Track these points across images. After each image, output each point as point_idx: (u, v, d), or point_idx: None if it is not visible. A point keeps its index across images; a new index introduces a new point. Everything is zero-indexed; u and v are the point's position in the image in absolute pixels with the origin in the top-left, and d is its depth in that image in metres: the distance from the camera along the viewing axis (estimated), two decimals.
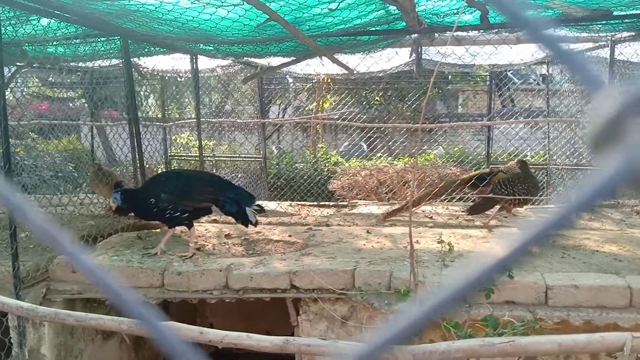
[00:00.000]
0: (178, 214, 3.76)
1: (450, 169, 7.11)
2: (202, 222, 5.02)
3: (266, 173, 8.21)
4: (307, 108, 13.26)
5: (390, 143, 9.74)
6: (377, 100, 12.22)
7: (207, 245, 4.26)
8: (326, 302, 3.35)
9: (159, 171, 6.49)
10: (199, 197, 3.85)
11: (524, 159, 4.95)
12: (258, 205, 3.98)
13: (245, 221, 3.88)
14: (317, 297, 3.34)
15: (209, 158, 8.35)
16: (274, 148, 12.04)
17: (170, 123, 8.02)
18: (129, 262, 3.61)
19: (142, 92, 7.60)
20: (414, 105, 9.68)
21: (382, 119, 10.32)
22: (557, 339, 1.43)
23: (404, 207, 4.88)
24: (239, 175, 7.99)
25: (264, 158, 8.13)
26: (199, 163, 6.70)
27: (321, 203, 6.37)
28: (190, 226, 3.94)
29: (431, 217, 5.15)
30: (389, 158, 9.07)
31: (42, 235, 0.43)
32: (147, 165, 5.63)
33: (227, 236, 4.53)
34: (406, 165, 7.56)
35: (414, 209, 5.11)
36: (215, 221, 5.11)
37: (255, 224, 3.97)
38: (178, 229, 4.24)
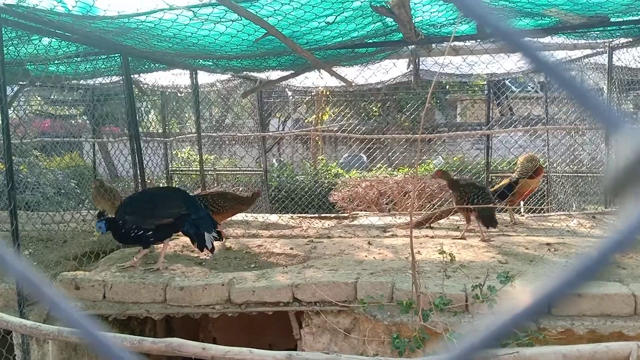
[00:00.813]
0: (141, 232, 3.69)
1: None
2: None
3: (267, 186, 8.21)
4: (306, 120, 13.29)
5: (389, 154, 9.75)
6: (375, 111, 12.26)
7: (208, 259, 4.24)
8: (328, 314, 3.32)
9: (161, 185, 6.49)
10: (160, 213, 3.76)
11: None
12: (217, 232, 3.89)
13: (202, 245, 3.77)
14: (319, 310, 3.32)
15: (209, 172, 8.36)
16: (274, 161, 12.05)
17: (171, 138, 8.04)
18: (131, 278, 3.60)
19: (142, 108, 7.63)
20: (413, 115, 9.71)
21: (381, 130, 10.34)
22: (561, 350, 1.41)
23: (434, 216, 4.89)
24: (240, 189, 7.97)
25: (265, 171, 8.13)
26: (200, 177, 6.70)
27: (322, 215, 6.36)
28: (148, 245, 3.87)
29: (432, 228, 5.13)
30: (389, 169, 9.07)
31: (22, 281, 0.42)
32: (149, 181, 5.62)
33: (228, 249, 4.51)
34: (406, 175, 7.55)
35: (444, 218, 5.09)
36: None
37: (212, 250, 3.85)
38: (183, 239, 4.23)
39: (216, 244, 4.64)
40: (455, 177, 4.94)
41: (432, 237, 4.75)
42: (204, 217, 3.86)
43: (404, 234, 4.88)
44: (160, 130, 8.01)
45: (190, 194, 4.55)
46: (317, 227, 5.43)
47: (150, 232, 3.73)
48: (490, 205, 4.39)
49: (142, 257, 3.92)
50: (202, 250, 3.85)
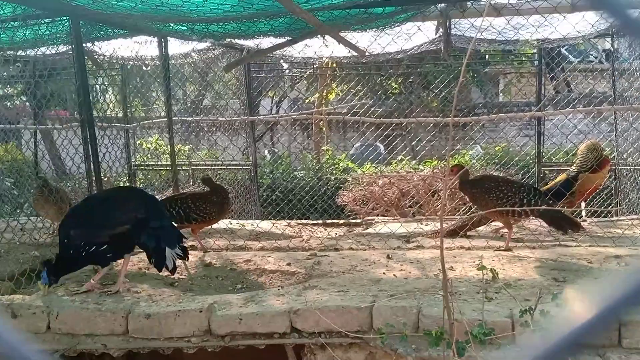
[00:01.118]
0: (94, 248, 3.66)
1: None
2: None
3: (257, 184, 8.22)
4: (307, 101, 13.29)
5: (413, 143, 9.74)
6: (395, 88, 12.24)
7: (184, 278, 4.23)
8: (337, 348, 3.31)
9: (120, 185, 6.50)
10: (113, 220, 3.73)
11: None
12: (182, 249, 3.83)
13: (160, 263, 3.72)
14: (325, 343, 3.31)
15: (183, 167, 8.37)
16: (266, 152, 12.06)
17: (135, 124, 8.05)
18: (83, 303, 3.59)
19: (97, 86, 7.66)
20: (443, 93, 9.70)
21: (402, 112, 10.32)
22: None
23: (472, 222, 4.90)
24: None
25: (254, 165, 8.14)
26: (171, 174, 6.71)
27: (328, 221, 6.36)
28: (107, 263, 3.84)
29: (469, 236, 5.12)
30: (413, 162, 9.06)
31: None
32: (105, 179, 5.63)
33: (209, 266, 4.52)
34: (435, 170, 7.54)
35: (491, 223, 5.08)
36: (192, 247, 5.10)
37: (173, 271, 3.79)
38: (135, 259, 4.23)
39: (192, 258, 4.66)
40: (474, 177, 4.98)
41: (469, 248, 4.74)
42: (166, 227, 3.82)
43: (433, 244, 4.87)
44: (120, 114, 8.02)
45: (153, 196, 4.54)
46: (322, 237, 5.43)
47: (105, 247, 3.70)
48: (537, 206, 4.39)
49: (101, 278, 3.92)
50: (160, 270, 3.78)
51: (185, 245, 3.93)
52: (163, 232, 3.77)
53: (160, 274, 4.28)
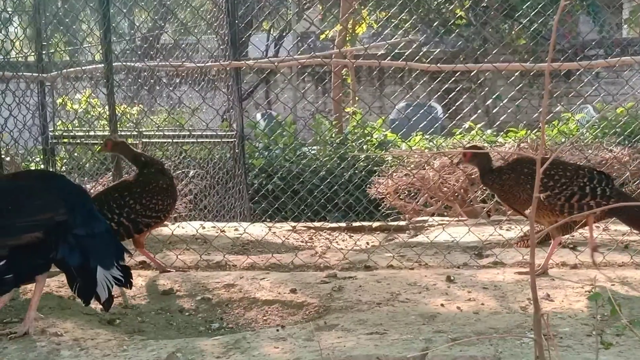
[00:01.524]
0: None
1: (611, 150, 6.98)
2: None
3: (244, 167, 8.20)
4: (322, 37, 13.22)
5: (488, 102, 9.66)
6: (461, 18, 12.10)
7: (129, 313, 4.22)
8: None
9: (31, 167, 6.48)
10: (16, 223, 3.67)
11: None
12: (123, 270, 3.76)
13: (87, 290, 3.65)
14: None
15: (130, 140, 8.36)
16: (258, 117, 11.99)
17: (54, 73, 8.05)
18: None
19: None
20: (534, 26, 9.57)
21: (471, 54, 10.22)
22: None
23: (578, 224, 4.87)
24: (190, 173, 7.98)
25: (240, 137, 8.12)
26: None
27: (354, 224, 6.32)
28: (6, 289, 3.76)
29: (574, 247, 5.08)
30: (488, 132, 8.98)
31: None
32: (8, 158, 5.63)
33: (168, 294, 4.50)
34: (522, 144, 7.46)
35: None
36: (143, 264, 5.09)
37: (107, 305, 3.72)
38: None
39: (140, 283, 4.64)
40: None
41: (575, 266, 4.72)
42: (100, 234, 3.79)
43: (519, 260, 4.82)
44: (31, 58, 8.01)
45: (78, 186, 4.49)
46: (345, 249, 5.40)
47: (3, 264, 3.63)
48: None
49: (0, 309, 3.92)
50: (86, 301, 3.72)
51: (126, 264, 3.90)
52: (93, 242, 3.75)
53: (93, 306, 4.28)
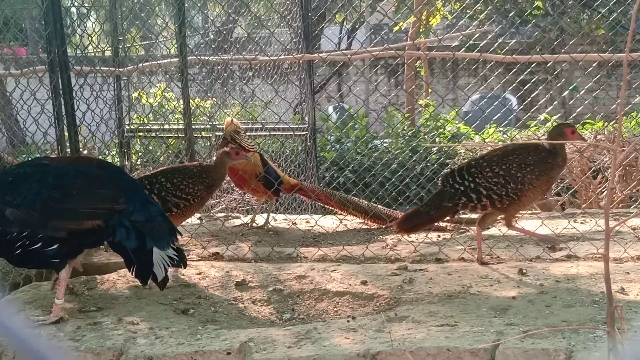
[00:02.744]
0: (38, 245, 3.72)
1: None
2: (193, 260, 5.09)
3: (316, 159, 8.24)
4: (395, 29, 13.20)
5: (565, 93, 9.52)
6: (538, 8, 11.95)
7: (203, 303, 4.30)
8: None
9: (108, 160, 6.53)
10: (78, 209, 3.79)
11: None
12: (178, 252, 3.89)
13: (145, 273, 3.80)
14: None
15: (203, 133, 8.46)
16: (331, 110, 12.01)
17: (130, 67, 8.19)
18: (52, 339, 3.70)
19: (74, 9, 7.79)
20: (615, 14, 9.41)
21: (548, 45, 10.09)
22: None
23: None
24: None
25: (312, 130, 8.16)
26: (184, 143, 6.80)
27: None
28: (60, 269, 3.89)
29: None
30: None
31: None
32: (85, 151, 5.71)
33: (241, 285, 4.58)
34: (599, 136, 7.36)
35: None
36: (216, 256, 5.17)
37: (162, 284, 3.88)
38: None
39: (213, 274, 4.72)
40: None
41: None
42: (155, 217, 3.89)
43: (593, 253, 4.78)
44: (108, 53, 8.15)
45: (129, 175, 4.57)
46: (416, 242, 5.40)
47: (57, 246, 3.76)
48: None
49: (65, 292, 4.01)
50: (144, 282, 3.90)
51: (180, 245, 4.00)
52: (149, 225, 3.85)
53: (168, 296, 4.38)
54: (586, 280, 4.21)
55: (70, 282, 4.48)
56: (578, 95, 8.59)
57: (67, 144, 5.03)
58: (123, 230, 3.79)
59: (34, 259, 3.84)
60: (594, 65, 8.40)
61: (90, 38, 6.84)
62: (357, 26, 17.45)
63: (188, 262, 4.95)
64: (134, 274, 3.89)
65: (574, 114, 8.64)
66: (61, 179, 3.87)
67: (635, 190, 6.68)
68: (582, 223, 5.65)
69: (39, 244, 3.74)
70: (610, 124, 7.75)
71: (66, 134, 5.05)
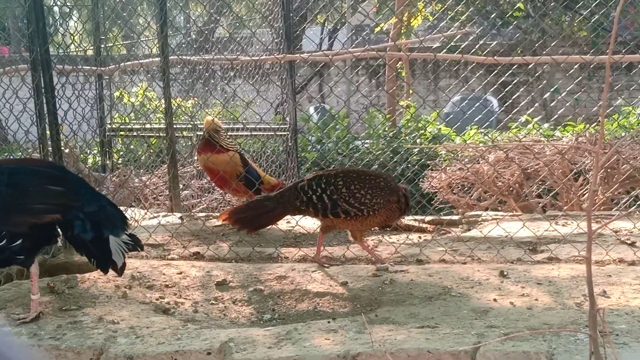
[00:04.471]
0: (4, 242, 3.74)
1: None
2: (174, 260, 5.08)
3: (297, 160, 8.24)
4: (377, 30, 13.21)
5: (546, 95, 9.56)
6: (519, 10, 12.00)
7: (184, 302, 4.29)
8: None
9: (88, 159, 6.57)
10: (38, 206, 3.83)
11: None
12: (131, 237, 3.94)
13: (104, 262, 3.86)
14: None
15: (184, 133, 8.45)
16: (312, 110, 12.02)
17: (111, 66, 8.16)
18: (33, 337, 3.68)
19: (56, 8, 7.75)
20: (596, 16, 9.46)
21: (529, 47, 10.12)
22: None
23: None
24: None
25: (293, 130, 8.15)
26: (165, 143, 6.78)
27: (407, 220, 6.31)
28: (29, 264, 3.94)
29: (632, 244, 5.02)
30: (545, 126, 8.90)
31: None
32: (67, 150, 5.68)
33: (222, 285, 4.58)
34: (580, 138, 7.40)
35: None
36: (197, 255, 5.16)
37: (121, 270, 3.94)
38: (129, 264, 4.30)
39: (194, 274, 4.71)
40: None
41: (633, 262, 4.66)
42: (105, 207, 3.96)
43: (574, 256, 4.79)
44: (90, 52, 8.12)
45: (73, 172, 4.60)
46: (397, 243, 5.41)
47: (20, 242, 3.80)
48: None
49: (38, 287, 4.01)
50: (106, 271, 3.97)
51: (133, 233, 4.07)
52: (103, 215, 3.91)
53: (148, 296, 4.37)
54: (568, 283, 4.21)
55: (51, 280, 4.49)
56: (559, 97, 8.62)
57: (49, 143, 5.01)
58: (79, 223, 3.86)
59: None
60: (575, 67, 8.44)
61: (72, 37, 6.83)
62: (338, 27, 17.47)
63: (169, 262, 4.98)
64: (94, 264, 3.97)
65: (555, 116, 8.69)
66: (15, 177, 3.91)
67: (617, 193, 6.71)
68: (563, 225, 5.68)
69: (3, 241, 3.77)
70: (592, 126, 7.79)
71: (48, 132, 5.04)
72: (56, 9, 7.81)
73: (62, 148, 5.50)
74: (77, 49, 7.95)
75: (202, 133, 6.37)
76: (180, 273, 4.75)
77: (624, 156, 6.66)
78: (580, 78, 8.53)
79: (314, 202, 4.80)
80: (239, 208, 5.15)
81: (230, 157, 5.91)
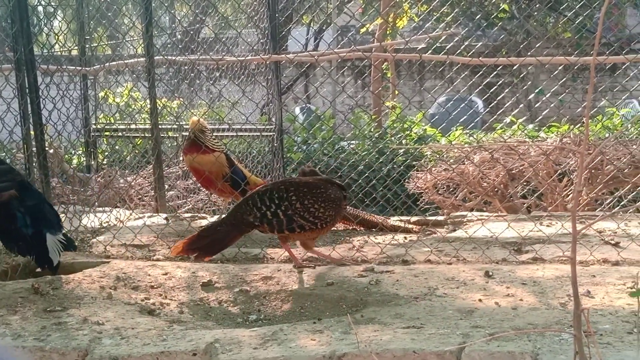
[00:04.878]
0: None
1: None
2: (159, 260, 5.06)
3: (282, 160, 8.23)
4: (362, 30, 13.21)
5: (530, 96, 9.59)
6: (504, 12, 12.02)
7: (169, 303, 4.28)
8: None
9: (73, 159, 6.53)
10: None
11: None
12: (65, 237, 3.98)
13: (43, 258, 3.88)
14: None
15: (170, 133, 8.42)
16: (297, 111, 12.00)
17: (96, 66, 8.14)
18: (17, 338, 3.66)
19: (41, 8, 7.72)
20: (579, 19, 9.51)
21: (514, 48, 10.14)
22: None
23: None
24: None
25: (279, 130, 8.14)
26: (151, 143, 6.77)
27: (393, 221, 6.32)
28: None
29: (616, 244, 5.03)
30: (530, 127, 8.92)
31: None
32: (52, 150, 5.66)
33: (207, 285, 4.56)
34: (564, 139, 7.42)
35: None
36: (182, 256, 5.13)
37: (56, 268, 3.95)
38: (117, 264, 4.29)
39: (179, 274, 4.70)
40: None
41: (617, 263, 4.67)
42: (42, 203, 4.01)
43: (559, 256, 4.79)
44: (75, 52, 8.09)
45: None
46: (383, 243, 5.40)
47: None
48: None
49: None
50: (42, 267, 4.02)
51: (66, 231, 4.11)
52: (39, 210, 3.96)
53: (134, 297, 4.35)
54: (552, 283, 4.22)
55: (36, 281, 4.46)
56: (544, 98, 8.68)
57: (33, 143, 5.00)
58: (21, 216, 3.88)
59: None
60: (559, 68, 8.46)
61: (57, 37, 6.80)
62: (324, 28, 17.47)
63: (154, 263, 4.96)
64: (33, 259, 3.95)
65: (540, 117, 8.72)
66: None
67: (601, 194, 6.74)
68: (548, 226, 5.68)
69: None
70: (576, 127, 7.82)
71: (32, 132, 5.02)
72: (40, 8, 7.79)
73: (47, 148, 5.49)
74: (61, 49, 7.93)
75: (187, 133, 6.37)
76: (166, 274, 4.73)
77: (607, 157, 6.68)
78: (564, 79, 8.58)
79: (269, 219, 4.79)
80: (192, 239, 5.05)
81: (216, 158, 5.90)
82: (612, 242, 5.08)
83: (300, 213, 4.74)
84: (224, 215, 5.32)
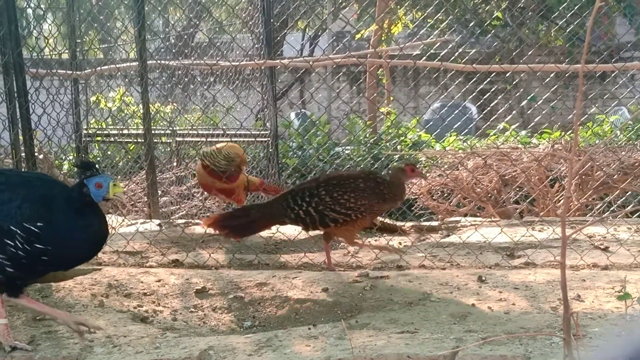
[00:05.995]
0: None
1: None
2: (152, 267, 5.06)
3: (277, 166, 8.22)
4: (357, 36, 13.23)
5: (523, 103, 9.62)
6: (497, 19, 12.04)
7: (162, 310, 4.27)
8: None
9: (64, 165, 6.48)
10: None
11: None
12: None
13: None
14: None
15: (163, 138, 8.40)
16: (293, 116, 11.99)
17: (88, 71, 8.12)
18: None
19: (30, 10, 7.68)
20: (571, 26, 9.53)
21: (507, 55, 10.16)
22: None
23: None
24: None
25: (274, 136, 8.14)
26: (143, 149, 6.75)
27: (387, 223, 6.32)
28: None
29: (606, 248, 5.07)
30: (522, 133, 8.92)
31: None
32: (42, 155, 5.64)
33: (201, 292, 4.56)
34: (556, 145, 7.44)
35: None
36: (176, 263, 5.14)
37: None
38: (106, 272, 4.28)
39: (173, 281, 4.70)
40: None
41: (606, 267, 4.71)
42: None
43: (551, 261, 4.83)
44: (65, 55, 8.06)
45: None
46: (377, 248, 5.40)
47: None
48: None
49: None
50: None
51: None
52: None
53: (126, 304, 4.34)
54: (543, 287, 4.25)
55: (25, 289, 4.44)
56: (536, 105, 8.70)
57: (22, 148, 4.98)
58: None
59: None
60: (551, 75, 8.51)
61: (46, 40, 6.78)
62: (319, 33, 17.48)
63: (147, 270, 4.95)
64: None
65: (532, 123, 8.75)
66: None
67: (591, 199, 6.76)
68: (539, 231, 5.71)
69: None
70: (567, 133, 7.84)
71: (21, 137, 5.00)
72: (30, 10, 7.75)
73: (36, 154, 5.47)
74: (51, 53, 7.90)
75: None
76: (159, 281, 4.73)
77: (597, 163, 6.71)
78: (556, 86, 8.60)
79: (302, 217, 4.82)
80: (225, 216, 5.15)
81: (247, 177, 6.17)
82: (602, 246, 5.13)
83: (330, 206, 4.75)
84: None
